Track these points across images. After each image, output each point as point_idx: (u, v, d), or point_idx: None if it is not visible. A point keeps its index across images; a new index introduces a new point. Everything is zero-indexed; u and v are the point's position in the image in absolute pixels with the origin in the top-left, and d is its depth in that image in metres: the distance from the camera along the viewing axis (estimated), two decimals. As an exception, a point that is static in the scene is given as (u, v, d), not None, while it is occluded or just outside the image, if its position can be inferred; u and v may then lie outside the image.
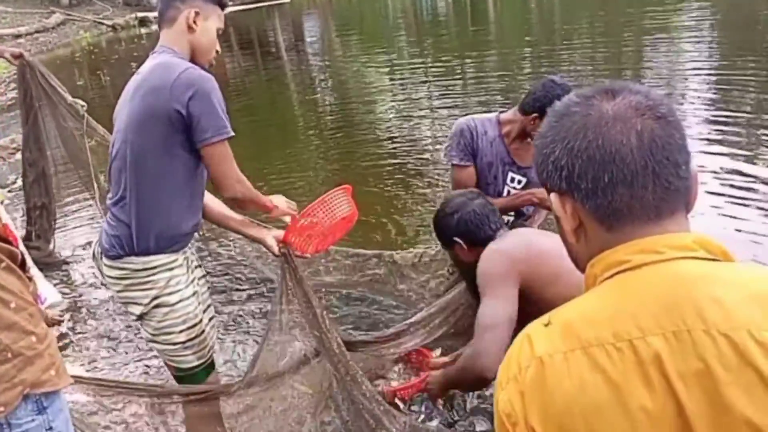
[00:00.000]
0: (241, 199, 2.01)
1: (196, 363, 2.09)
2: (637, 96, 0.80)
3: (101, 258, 2.01)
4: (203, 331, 2.09)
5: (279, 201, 2.21)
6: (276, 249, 2.13)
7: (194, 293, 2.06)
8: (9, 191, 5.38)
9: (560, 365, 0.74)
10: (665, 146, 0.77)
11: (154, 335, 2.05)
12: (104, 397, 2.05)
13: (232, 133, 1.90)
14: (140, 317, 2.03)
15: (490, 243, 1.99)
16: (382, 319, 3.12)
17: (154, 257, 1.96)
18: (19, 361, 1.17)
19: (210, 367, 2.16)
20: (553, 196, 0.84)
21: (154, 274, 1.97)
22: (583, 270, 0.85)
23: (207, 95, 1.84)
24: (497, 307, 1.78)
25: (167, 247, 1.98)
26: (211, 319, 2.19)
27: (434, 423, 2.30)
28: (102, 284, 3.86)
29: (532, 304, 1.74)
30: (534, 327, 0.81)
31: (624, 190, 0.77)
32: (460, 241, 2.10)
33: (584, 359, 0.73)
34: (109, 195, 2.03)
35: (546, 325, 0.79)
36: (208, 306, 2.20)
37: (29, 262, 1.48)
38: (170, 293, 1.99)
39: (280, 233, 2.15)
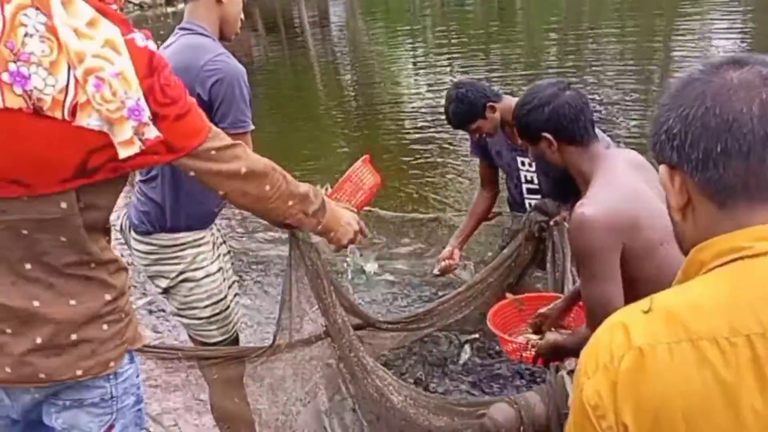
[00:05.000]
0: None
1: (220, 338, 2.12)
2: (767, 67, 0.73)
3: (129, 232, 2.04)
4: (228, 307, 2.11)
5: None
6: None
7: (219, 269, 2.08)
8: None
9: (663, 357, 0.68)
10: None
11: (180, 309, 2.08)
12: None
13: (251, 128, 1.88)
14: (166, 291, 2.06)
15: (586, 199, 1.68)
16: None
17: (183, 234, 1.99)
18: (127, 320, 1.26)
19: (234, 342, 2.18)
20: (662, 168, 0.79)
21: (182, 250, 2.00)
22: (686, 252, 0.79)
23: (232, 85, 1.81)
24: (610, 290, 1.59)
25: (196, 226, 2.00)
26: (235, 296, 2.20)
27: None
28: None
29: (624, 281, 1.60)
30: (630, 313, 0.74)
31: (738, 163, 0.71)
32: (550, 137, 1.87)
33: (692, 353, 0.67)
34: (140, 172, 2.03)
35: (646, 312, 0.72)
36: (233, 282, 2.21)
37: None
38: (196, 269, 2.02)
39: None
